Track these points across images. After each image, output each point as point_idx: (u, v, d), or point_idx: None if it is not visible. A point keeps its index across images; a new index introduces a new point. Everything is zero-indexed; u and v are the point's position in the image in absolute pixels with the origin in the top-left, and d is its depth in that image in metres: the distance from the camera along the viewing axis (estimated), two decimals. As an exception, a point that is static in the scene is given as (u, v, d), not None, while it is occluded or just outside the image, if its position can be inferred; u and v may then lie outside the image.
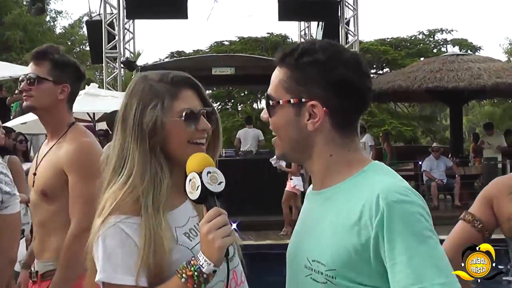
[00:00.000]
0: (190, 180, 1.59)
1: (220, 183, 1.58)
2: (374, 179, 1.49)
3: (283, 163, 10.48)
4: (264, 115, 1.63)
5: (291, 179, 10.69)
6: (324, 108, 1.52)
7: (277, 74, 1.60)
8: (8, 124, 9.61)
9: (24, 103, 2.86)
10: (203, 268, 1.55)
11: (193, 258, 1.58)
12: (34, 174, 2.83)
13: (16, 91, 12.53)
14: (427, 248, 1.40)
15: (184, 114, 1.69)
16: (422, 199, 1.49)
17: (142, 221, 1.60)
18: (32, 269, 2.82)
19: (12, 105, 11.97)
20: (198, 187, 1.56)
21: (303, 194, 10.37)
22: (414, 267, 1.37)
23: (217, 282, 1.68)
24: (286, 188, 10.74)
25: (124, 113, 1.72)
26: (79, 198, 2.63)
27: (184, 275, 1.56)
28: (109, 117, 6.45)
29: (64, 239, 2.69)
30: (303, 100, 1.54)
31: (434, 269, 1.37)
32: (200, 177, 1.57)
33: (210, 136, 1.78)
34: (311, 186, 1.71)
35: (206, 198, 1.57)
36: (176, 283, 1.57)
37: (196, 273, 1.55)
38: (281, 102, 1.56)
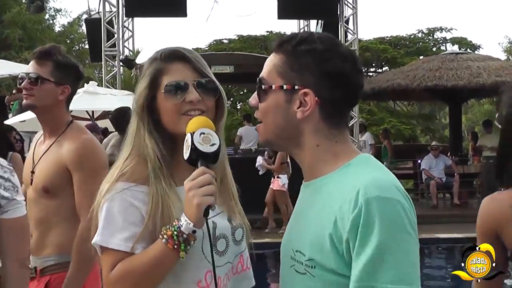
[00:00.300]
0: (186, 141, 1.60)
1: (213, 144, 1.58)
2: (358, 173, 1.47)
3: (262, 160, 10.51)
4: (253, 100, 1.61)
5: (278, 177, 10.59)
6: (316, 98, 1.51)
7: (272, 59, 1.58)
8: (7, 122, 9.61)
9: (24, 101, 2.88)
10: (182, 227, 1.55)
11: (176, 220, 1.59)
12: (32, 172, 2.84)
13: (14, 90, 12.56)
14: (398, 250, 1.36)
15: (164, 87, 1.72)
16: (404, 195, 1.44)
17: (149, 191, 1.63)
18: (30, 265, 2.81)
19: (12, 103, 11.96)
20: (189, 147, 1.57)
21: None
22: (376, 266, 1.34)
23: (226, 262, 1.71)
24: (274, 187, 10.65)
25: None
26: (86, 194, 2.63)
27: (165, 235, 1.57)
28: (114, 115, 6.42)
29: (64, 234, 2.74)
30: (296, 87, 1.52)
31: (397, 274, 1.34)
32: (192, 137, 1.57)
33: (210, 106, 1.77)
34: None
35: (197, 158, 1.57)
36: (158, 245, 1.58)
37: (176, 232, 1.56)
38: (273, 87, 1.55)
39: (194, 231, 1.57)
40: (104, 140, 7.60)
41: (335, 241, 1.41)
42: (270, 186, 10.74)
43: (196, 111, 1.72)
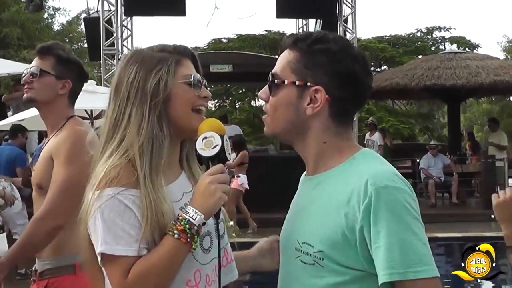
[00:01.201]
0: (205, 138, 1.63)
1: (215, 146, 1.62)
2: (364, 165, 1.54)
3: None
4: (263, 94, 1.66)
5: (238, 176, 10.50)
6: (327, 96, 1.57)
7: (286, 56, 1.64)
8: (6, 121, 9.60)
9: (25, 95, 2.86)
10: (194, 219, 1.56)
11: (179, 214, 1.58)
12: (33, 170, 2.84)
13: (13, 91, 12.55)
14: (411, 235, 1.44)
15: (192, 77, 1.71)
16: (409, 186, 1.52)
17: (141, 194, 1.59)
18: (33, 268, 2.81)
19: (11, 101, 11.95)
20: (216, 146, 1.61)
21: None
22: (397, 253, 1.41)
23: (212, 259, 1.71)
24: (232, 185, 10.51)
25: (118, 80, 1.71)
26: (54, 182, 2.64)
27: (175, 231, 1.56)
28: None
29: (59, 235, 2.67)
30: (308, 84, 1.58)
31: (415, 256, 1.42)
32: (222, 139, 1.62)
33: (207, 106, 1.80)
34: (305, 172, 1.74)
35: (217, 157, 1.62)
36: (169, 241, 1.57)
37: (187, 225, 1.56)
38: (286, 82, 1.60)
39: (204, 223, 1.58)
40: None
41: (346, 233, 1.47)
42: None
43: (204, 107, 1.75)
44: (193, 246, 1.58)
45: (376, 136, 14.65)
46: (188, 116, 1.71)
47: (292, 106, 1.60)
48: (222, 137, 1.63)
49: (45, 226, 2.62)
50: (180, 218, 1.57)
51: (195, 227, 1.56)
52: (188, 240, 1.56)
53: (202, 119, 1.72)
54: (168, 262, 1.57)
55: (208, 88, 1.80)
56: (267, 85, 1.65)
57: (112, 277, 1.59)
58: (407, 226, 1.44)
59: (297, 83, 1.59)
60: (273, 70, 1.64)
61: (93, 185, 1.61)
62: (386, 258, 1.42)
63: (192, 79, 1.71)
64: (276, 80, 1.62)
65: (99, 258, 1.59)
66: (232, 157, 10.39)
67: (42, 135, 11.92)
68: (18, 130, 8.77)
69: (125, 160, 1.61)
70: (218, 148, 1.62)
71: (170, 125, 1.69)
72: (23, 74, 2.84)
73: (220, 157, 1.63)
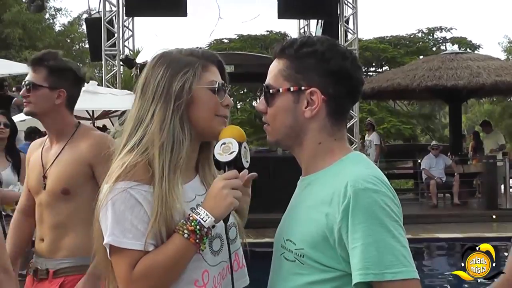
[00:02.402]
0: (223, 143, 1.67)
1: (231, 152, 1.65)
2: (348, 168, 1.57)
3: None
4: (260, 106, 1.70)
5: None
6: (323, 96, 1.60)
7: (275, 65, 1.67)
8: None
9: (24, 109, 2.92)
10: (205, 221, 1.58)
11: (190, 215, 1.61)
12: (45, 177, 2.84)
13: (14, 88, 12.58)
14: (388, 236, 1.44)
15: (217, 84, 1.74)
16: (392, 191, 1.53)
17: (154, 190, 1.62)
18: (39, 267, 2.83)
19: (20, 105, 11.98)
20: (233, 152, 1.64)
21: None
22: (373, 253, 1.42)
23: (220, 261, 1.72)
24: None
25: (145, 80, 1.74)
26: None
27: (186, 231, 1.58)
28: None
29: (81, 237, 2.71)
30: (303, 88, 1.61)
31: (392, 257, 1.42)
32: (240, 147, 1.65)
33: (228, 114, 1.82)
34: None
35: (233, 163, 1.65)
36: (178, 240, 1.59)
37: (198, 227, 1.58)
38: (281, 90, 1.63)
39: (213, 226, 1.61)
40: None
41: (326, 233, 1.50)
42: None
43: (227, 114, 1.78)
44: (201, 248, 1.61)
45: (373, 136, 14.67)
46: (211, 119, 1.74)
47: (290, 111, 1.63)
48: (240, 144, 1.67)
49: None
50: (191, 218, 1.60)
51: (205, 229, 1.59)
52: (197, 241, 1.58)
53: (225, 123, 1.76)
54: (174, 261, 1.59)
55: None
56: (262, 97, 1.69)
57: (118, 270, 1.61)
58: (384, 228, 1.44)
59: (292, 89, 1.62)
60: (266, 82, 1.67)
61: (109, 179, 1.65)
62: (361, 258, 1.42)
63: (216, 86, 1.74)
64: (271, 90, 1.65)
65: (107, 250, 1.62)
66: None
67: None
68: (33, 132, 8.90)
69: (145, 157, 1.65)
70: (234, 154, 1.65)
71: (191, 127, 1.72)
72: (22, 86, 2.88)
73: (236, 163, 1.65)
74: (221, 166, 1.67)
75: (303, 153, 1.66)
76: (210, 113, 1.74)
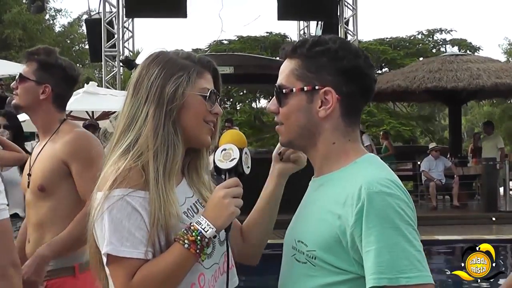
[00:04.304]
0: (224, 150, 1.64)
1: (232, 159, 1.63)
2: (362, 170, 1.55)
3: None
4: (272, 106, 1.67)
5: None
6: (337, 95, 1.58)
7: (287, 65, 1.65)
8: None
9: (12, 101, 2.92)
10: (206, 232, 1.56)
11: (192, 224, 1.58)
12: (29, 174, 2.83)
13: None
14: (402, 240, 1.42)
15: (209, 92, 1.72)
16: (405, 193, 1.51)
17: (150, 196, 1.58)
18: None
19: None
20: (234, 159, 1.62)
21: None
22: (387, 257, 1.40)
23: (213, 264, 1.70)
24: None
25: (139, 78, 1.71)
26: (88, 181, 2.59)
27: (186, 241, 1.56)
28: None
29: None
30: (316, 87, 1.59)
31: (407, 262, 1.40)
32: (240, 153, 1.63)
33: (216, 122, 1.79)
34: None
35: (233, 170, 1.62)
36: (179, 249, 1.56)
37: (199, 237, 1.56)
38: (294, 90, 1.60)
39: (215, 236, 1.59)
40: None
41: (339, 235, 1.48)
42: None
43: (213, 122, 1.75)
44: (202, 258, 1.59)
45: (364, 138, 14.71)
46: (198, 126, 1.71)
47: (304, 111, 1.60)
48: (241, 150, 1.64)
49: None
50: (192, 228, 1.57)
51: (206, 239, 1.57)
52: (197, 251, 1.56)
53: (211, 131, 1.74)
54: (174, 270, 1.57)
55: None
56: (274, 98, 1.66)
57: (116, 279, 1.58)
58: (399, 232, 1.42)
59: (305, 88, 1.59)
60: (278, 82, 1.65)
61: (103, 185, 1.61)
62: (375, 262, 1.41)
63: (207, 94, 1.72)
64: (284, 90, 1.62)
65: (104, 259, 1.59)
66: None
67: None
68: None
69: (139, 163, 1.62)
70: (235, 161, 1.62)
71: (182, 132, 1.69)
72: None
73: (237, 170, 1.63)
74: (222, 173, 1.64)
75: (317, 154, 1.64)
76: (198, 119, 1.71)
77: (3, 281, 1.99)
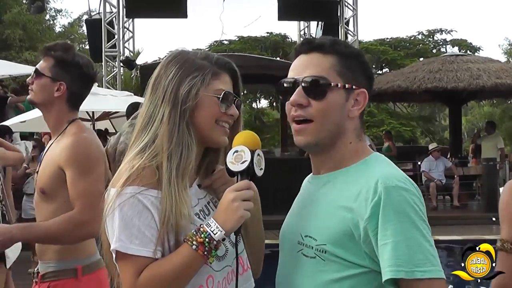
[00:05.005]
0: (236, 151, 1.62)
1: (243, 162, 1.61)
2: (375, 167, 1.58)
3: None
4: (302, 99, 1.61)
5: None
6: (367, 97, 1.63)
7: (324, 60, 1.63)
8: (7, 122, 9.62)
9: (27, 96, 2.85)
10: (214, 234, 1.56)
11: (201, 226, 1.58)
12: (37, 172, 2.82)
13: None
14: (418, 235, 1.45)
15: (222, 93, 1.71)
16: (418, 190, 1.54)
17: (162, 195, 1.59)
18: (35, 269, 2.80)
19: (19, 103, 11.98)
20: (245, 161, 1.60)
21: None
22: (404, 251, 1.43)
23: (225, 266, 1.69)
24: None
25: (157, 76, 1.73)
26: (79, 190, 2.59)
27: (194, 242, 1.56)
28: (133, 108, 6.39)
29: None
30: (354, 87, 1.62)
31: (422, 256, 1.44)
32: (252, 155, 1.61)
33: (232, 123, 1.78)
34: (310, 174, 1.77)
35: (245, 173, 1.60)
36: (187, 250, 1.57)
37: (207, 239, 1.55)
38: (339, 85, 1.60)
39: (223, 239, 1.58)
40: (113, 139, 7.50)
41: (351, 229, 1.49)
42: None
43: (228, 124, 1.74)
44: (210, 260, 1.58)
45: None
46: (211, 127, 1.71)
47: (340, 109, 1.61)
48: (253, 152, 1.61)
49: (82, 231, 2.58)
50: (201, 230, 1.57)
51: (214, 242, 1.56)
52: (205, 253, 1.56)
53: (226, 133, 1.73)
54: (181, 271, 1.57)
55: None
56: (300, 90, 1.61)
57: (124, 276, 1.60)
58: (415, 226, 1.46)
59: (347, 86, 1.61)
60: (316, 73, 1.61)
61: (116, 182, 1.63)
62: (392, 255, 1.43)
63: (221, 95, 1.71)
64: (332, 83, 1.60)
65: (113, 255, 1.61)
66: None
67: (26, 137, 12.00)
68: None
69: (154, 163, 1.63)
70: (246, 164, 1.60)
71: (196, 132, 1.70)
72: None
73: (248, 173, 1.61)
74: (234, 175, 1.63)
75: (334, 154, 1.64)
76: (210, 120, 1.71)
77: None
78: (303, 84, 1.60)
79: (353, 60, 1.64)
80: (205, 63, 1.73)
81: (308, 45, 1.66)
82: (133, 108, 6.33)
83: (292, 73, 1.66)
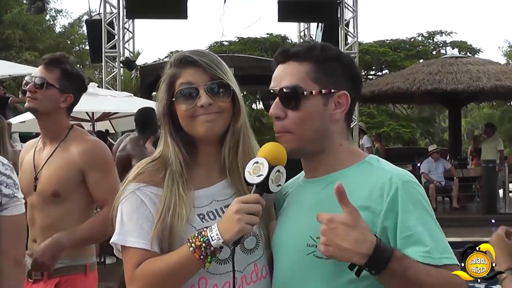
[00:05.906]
0: (256, 162, 1.60)
1: (259, 175, 1.58)
2: (383, 167, 1.62)
3: None
4: (279, 111, 1.63)
5: None
6: (349, 99, 1.64)
7: (299, 68, 1.64)
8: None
9: (27, 104, 2.91)
10: (212, 241, 1.56)
11: (205, 229, 1.59)
12: (36, 178, 2.87)
13: (21, 95, 12.59)
14: (435, 226, 1.55)
15: (175, 93, 1.75)
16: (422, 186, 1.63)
17: (162, 193, 1.68)
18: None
19: (18, 104, 11.96)
20: (260, 176, 1.58)
21: None
22: (428, 240, 1.49)
23: (227, 271, 1.68)
24: None
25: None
26: (106, 189, 2.77)
27: (193, 244, 1.58)
28: (138, 114, 6.42)
29: None
30: (333, 90, 1.62)
31: (443, 244, 1.53)
32: (270, 171, 1.58)
33: (225, 108, 1.76)
34: (298, 177, 1.78)
35: (260, 186, 1.58)
36: (184, 251, 1.59)
37: (204, 244, 1.56)
38: (313, 92, 1.61)
39: (221, 247, 1.58)
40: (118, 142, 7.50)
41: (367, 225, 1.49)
42: None
43: (209, 115, 1.72)
44: (206, 266, 1.58)
45: (365, 140, 14.75)
46: (189, 124, 1.75)
47: (320, 115, 1.62)
48: (272, 168, 1.58)
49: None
50: (203, 233, 1.58)
51: (211, 248, 1.56)
52: (202, 257, 1.57)
53: (204, 122, 1.72)
54: (175, 270, 1.60)
55: None
56: (277, 102, 1.63)
57: (125, 267, 1.67)
58: (432, 218, 1.54)
59: (323, 91, 1.61)
60: (291, 84, 1.61)
61: (126, 179, 1.74)
62: (420, 244, 1.48)
63: (175, 94, 1.75)
64: (305, 92, 1.60)
65: (114, 248, 1.70)
66: None
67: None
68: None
69: (161, 166, 1.74)
70: (260, 179, 1.57)
71: (187, 136, 1.77)
72: (26, 81, 2.90)
73: (263, 187, 1.58)
74: (250, 185, 1.61)
75: (324, 158, 1.66)
76: (185, 121, 1.75)
77: (20, 268, 2.12)
78: (279, 96, 1.63)
79: (331, 64, 1.64)
80: (168, 71, 1.79)
81: (284, 55, 1.68)
82: (142, 113, 6.38)
83: (272, 84, 1.68)
